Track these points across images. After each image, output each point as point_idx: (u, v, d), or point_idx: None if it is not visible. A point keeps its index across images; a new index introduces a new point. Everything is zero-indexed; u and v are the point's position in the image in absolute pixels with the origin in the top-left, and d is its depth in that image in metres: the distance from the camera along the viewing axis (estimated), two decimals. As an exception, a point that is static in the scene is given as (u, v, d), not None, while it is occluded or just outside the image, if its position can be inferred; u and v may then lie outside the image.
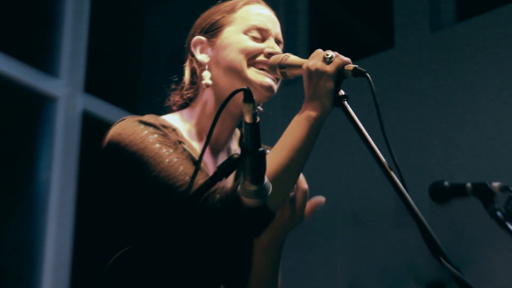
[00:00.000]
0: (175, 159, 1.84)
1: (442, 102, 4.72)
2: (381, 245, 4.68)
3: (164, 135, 1.90)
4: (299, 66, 1.93)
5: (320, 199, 2.06)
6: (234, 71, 2.01)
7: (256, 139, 1.57)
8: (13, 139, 4.42)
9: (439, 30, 4.94)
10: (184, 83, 2.09)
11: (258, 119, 1.56)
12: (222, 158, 2.05)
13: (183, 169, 1.82)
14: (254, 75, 2.00)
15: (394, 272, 4.55)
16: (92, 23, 4.65)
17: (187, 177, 1.80)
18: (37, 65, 4.40)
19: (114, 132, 1.91)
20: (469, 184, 2.40)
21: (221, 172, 1.60)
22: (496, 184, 2.35)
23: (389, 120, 4.39)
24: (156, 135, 1.88)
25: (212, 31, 2.08)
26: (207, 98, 2.05)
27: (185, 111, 2.08)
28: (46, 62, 4.49)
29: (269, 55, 2.02)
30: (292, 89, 4.84)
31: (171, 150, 1.86)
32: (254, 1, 2.12)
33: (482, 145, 4.46)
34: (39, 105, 4.46)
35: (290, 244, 2.19)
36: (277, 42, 2.08)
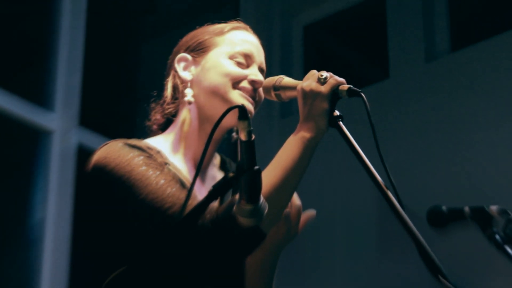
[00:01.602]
0: (162, 181, 1.83)
1: (438, 132, 4.72)
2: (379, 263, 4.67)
3: (150, 157, 1.89)
4: (293, 88, 1.93)
5: (311, 212, 2.07)
6: (217, 93, 2.02)
7: (251, 157, 1.56)
8: (7, 173, 4.40)
9: (434, 60, 4.95)
10: (165, 98, 2.09)
11: (253, 136, 1.55)
12: (201, 178, 2.04)
13: (171, 191, 1.81)
14: (237, 97, 2.01)
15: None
16: (87, 56, 4.65)
17: (175, 199, 1.79)
18: (31, 98, 4.39)
19: (99, 156, 1.90)
20: (467, 208, 2.38)
21: (217, 191, 1.59)
22: (494, 208, 2.33)
23: (385, 150, 4.34)
24: (142, 157, 1.88)
25: (198, 50, 2.10)
26: (188, 116, 2.06)
27: (166, 132, 2.08)
28: (40, 96, 4.48)
29: (252, 82, 2.03)
30: (288, 121, 4.85)
31: (158, 172, 1.85)
32: (242, 27, 2.15)
33: (478, 173, 4.45)
34: (33, 139, 4.44)
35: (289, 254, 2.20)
36: (261, 70, 2.09)
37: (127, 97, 5.01)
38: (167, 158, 1.95)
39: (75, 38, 4.68)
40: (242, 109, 1.54)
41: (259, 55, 2.11)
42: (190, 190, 1.58)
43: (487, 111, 4.58)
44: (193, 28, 2.19)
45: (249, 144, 1.56)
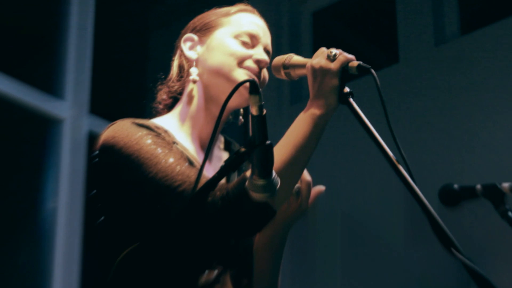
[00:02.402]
0: (171, 159, 1.83)
1: (448, 115, 4.71)
2: (389, 260, 4.66)
3: (158, 135, 1.89)
4: (303, 66, 1.93)
5: (320, 188, 2.07)
6: (221, 72, 2.02)
7: (263, 132, 1.56)
8: (18, 161, 4.41)
9: (444, 44, 4.94)
10: (171, 77, 2.11)
11: (264, 111, 1.55)
12: (210, 160, 2.05)
13: (180, 169, 1.81)
14: (242, 76, 2.01)
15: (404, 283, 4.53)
16: (96, 44, 4.66)
17: (185, 177, 1.79)
18: (42, 87, 4.40)
19: (107, 135, 1.90)
20: (479, 186, 2.39)
21: (229, 166, 1.59)
22: (506, 185, 2.34)
23: (396, 134, 4.37)
24: (150, 136, 1.87)
25: (204, 30, 2.11)
26: (193, 94, 2.07)
27: (172, 111, 2.09)
28: (51, 84, 4.48)
29: (257, 61, 2.05)
30: (297, 108, 4.84)
31: (167, 151, 1.85)
32: (249, 10, 2.16)
33: (489, 154, 4.44)
34: (44, 127, 4.45)
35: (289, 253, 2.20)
36: (266, 52, 2.10)
37: (137, 85, 5.01)
38: (174, 137, 1.96)
39: (84, 27, 4.69)
40: (253, 83, 1.54)
41: (265, 36, 2.12)
42: (201, 168, 1.57)
43: (497, 94, 4.56)
44: (201, 18, 2.21)
45: (260, 119, 1.55)
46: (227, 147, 2.16)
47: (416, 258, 4.50)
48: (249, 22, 2.11)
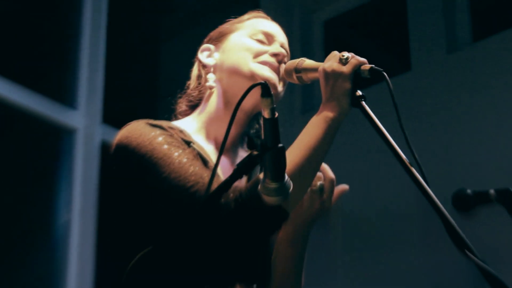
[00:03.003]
0: (185, 160, 1.82)
1: (461, 122, 4.70)
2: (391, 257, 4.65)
3: (171, 136, 1.89)
4: (315, 69, 1.93)
5: (344, 186, 2.06)
6: (239, 69, 2.02)
7: (275, 135, 1.55)
8: (32, 171, 4.42)
9: (456, 51, 4.93)
10: (188, 85, 2.12)
11: (276, 114, 1.55)
12: (227, 160, 2.03)
13: (194, 170, 1.80)
14: (258, 67, 2.02)
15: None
16: (109, 55, 4.68)
17: (198, 177, 1.78)
18: (55, 97, 4.42)
19: (121, 136, 1.90)
20: (492, 191, 2.37)
21: (241, 169, 1.58)
22: (519, 189, 2.33)
23: (408, 140, 4.36)
24: (164, 136, 1.87)
25: (219, 37, 2.13)
26: (212, 99, 2.06)
27: (191, 116, 2.09)
28: (64, 94, 4.51)
29: (274, 54, 2.05)
30: (309, 117, 4.83)
31: (180, 151, 1.85)
32: (263, 16, 2.18)
33: (502, 159, 4.43)
34: (57, 137, 4.47)
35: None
36: (284, 50, 2.11)
37: (149, 94, 5.03)
38: (190, 136, 1.95)
39: (97, 38, 4.71)
40: (264, 86, 1.53)
41: (281, 36, 2.14)
42: (214, 169, 1.57)
43: (510, 100, 4.55)
44: (212, 27, 2.22)
45: (272, 122, 1.54)
46: (251, 148, 2.15)
47: (429, 262, 4.48)
48: (263, 23, 2.13)
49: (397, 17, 5.37)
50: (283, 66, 2.05)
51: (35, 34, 4.51)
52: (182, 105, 2.13)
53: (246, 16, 2.16)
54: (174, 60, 5.00)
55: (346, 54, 1.87)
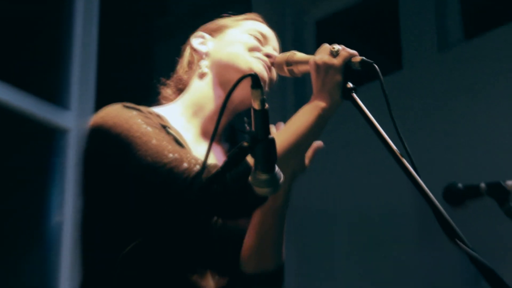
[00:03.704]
0: (162, 138, 1.81)
1: (453, 120, 4.71)
2: (390, 254, 4.66)
3: (148, 117, 1.87)
4: (306, 62, 1.94)
5: (319, 143, 2.02)
6: (232, 60, 2.05)
7: (265, 126, 1.55)
8: (24, 172, 4.41)
9: (447, 49, 4.94)
10: (177, 72, 2.14)
11: (267, 105, 1.55)
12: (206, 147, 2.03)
13: (171, 148, 1.79)
14: (255, 62, 2.05)
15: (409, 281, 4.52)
16: (101, 55, 4.67)
17: (176, 155, 1.76)
18: (47, 97, 4.40)
19: (96, 117, 1.89)
20: (483, 184, 2.38)
21: (231, 161, 1.58)
22: (510, 183, 2.34)
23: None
24: (141, 117, 1.85)
25: (216, 30, 2.16)
26: (199, 86, 2.07)
27: (175, 101, 2.10)
28: (56, 94, 4.49)
29: (268, 55, 2.08)
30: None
31: (157, 131, 1.83)
32: (259, 20, 2.20)
33: (492, 154, 4.44)
34: (50, 137, 4.45)
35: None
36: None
37: (141, 95, 5.01)
38: (167, 121, 1.95)
39: (88, 38, 4.70)
40: (254, 77, 1.53)
41: (274, 40, 2.17)
42: (206, 155, 1.55)
43: (501, 99, 4.56)
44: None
45: (262, 113, 1.54)
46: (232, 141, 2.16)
47: (428, 262, 4.48)
48: (260, 25, 2.17)
49: (388, 16, 5.38)
50: (273, 70, 2.08)
51: (27, 34, 4.50)
52: (168, 90, 2.15)
53: (243, 16, 2.19)
54: (167, 61, 4.99)
55: (336, 46, 1.88)
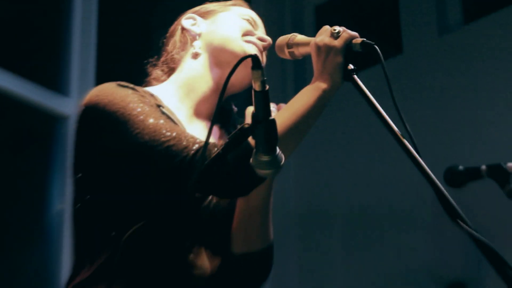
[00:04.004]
0: (158, 115, 1.80)
1: (454, 105, 4.71)
2: (391, 247, 4.66)
3: (143, 96, 1.86)
4: (306, 44, 1.94)
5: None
6: (227, 42, 2.05)
7: (266, 108, 1.54)
8: (24, 159, 4.41)
9: (447, 33, 4.93)
10: (168, 52, 2.12)
11: (267, 86, 1.54)
12: (202, 128, 2.03)
13: (168, 126, 1.77)
14: (248, 46, 2.05)
15: (411, 275, 4.51)
16: (100, 41, 4.67)
17: (174, 133, 1.75)
18: (47, 84, 4.40)
19: (90, 96, 1.85)
20: (484, 167, 2.39)
21: (233, 142, 1.57)
22: (511, 164, 2.34)
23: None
24: (136, 95, 1.83)
25: (207, 13, 2.15)
26: (192, 66, 2.06)
27: (167, 81, 2.08)
28: (56, 81, 4.49)
29: (261, 39, 2.09)
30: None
31: (153, 109, 1.82)
32: (247, 6, 2.21)
33: (493, 136, 4.44)
34: (50, 124, 4.45)
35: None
36: None
37: (141, 82, 5.02)
38: (161, 101, 1.93)
39: (88, 24, 4.69)
40: (255, 58, 1.52)
41: (263, 27, 2.17)
42: (208, 136, 1.53)
43: (501, 82, 4.55)
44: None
45: (263, 94, 1.53)
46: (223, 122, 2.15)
47: (429, 260, 4.50)
48: (249, 11, 2.17)
49: (388, 0, 5.37)
50: (264, 55, 2.08)
51: (26, 21, 4.50)
52: (157, 71, 2.12)
53: (230, 2, 2.19)
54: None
55: (337, 28, 1.88)
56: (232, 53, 2.02)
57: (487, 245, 1.52)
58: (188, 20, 2.14)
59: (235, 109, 2.16)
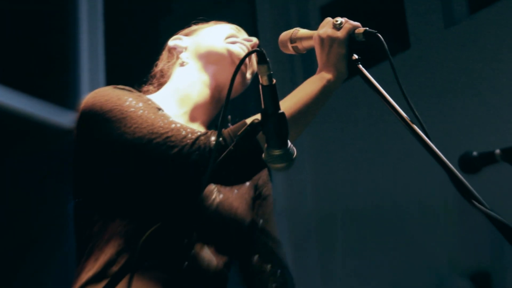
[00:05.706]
0: (156, 111, 1.82)
1: (463, 96, 4.69)
2: (416, 239, 4.64)
3: (140, 96, 1.88)
4: (310, 37, 1.94)
5: None
6: (213, 49, 2.10)
7: (274, 101, 1.55)
8: (36, 176, 4.42)
9: (453, 25, 4.92)
10: (157, 68, 2.18)
11: (274, 80, 1.55)
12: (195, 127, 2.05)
13: (166, 120, 1.79)
14: (232, 45, 2.10)
15: (435, 269, 4.50)
16: (108, 57, 4.69)
17: (173, 125, 1.77)
18: (56, 101, 4.42)
19: (87, 99, 1.88)
20: (498, 151, 2.39)
21: (244, 138, 1.57)
22: (525, 147, 2.34)
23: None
24: (133, 95, 1.86)
25: (190, 32, 2.22)
26: (181, 73, 2.11)
27: (157, 92, 2.11)
28: (65, 97, 4.51)
29: (247, 40, 2.15)
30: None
31: (149, 105, 1.84)
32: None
33: (503, 133, 4.42)
34: (60, 140, 4.46)
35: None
36: None
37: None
38: (158, 105, 1.93)
39: (95, 41, 4.72)
40: (260, 53, 1.53)
41: (247, 35, 2.22)
42: (218, 133, 1.55)
43: (509, 71, 4.54)
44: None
45: (271, 88, 1.54)
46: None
47: (429, 261, 4.49)
48: (232, 25, 2.23)
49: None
50: (253, 59, 2.10)
51: (34, 39, 4.53)
52: (149, 87, 2.16)
53: (213, 22, 2.25)
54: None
55: (339, 19, 1.89)
56: (217, 54, 2.08)
57: (504, 224, 1.52)
58: (174, 40, 2.19)
59: (229, 116, 2.18)
